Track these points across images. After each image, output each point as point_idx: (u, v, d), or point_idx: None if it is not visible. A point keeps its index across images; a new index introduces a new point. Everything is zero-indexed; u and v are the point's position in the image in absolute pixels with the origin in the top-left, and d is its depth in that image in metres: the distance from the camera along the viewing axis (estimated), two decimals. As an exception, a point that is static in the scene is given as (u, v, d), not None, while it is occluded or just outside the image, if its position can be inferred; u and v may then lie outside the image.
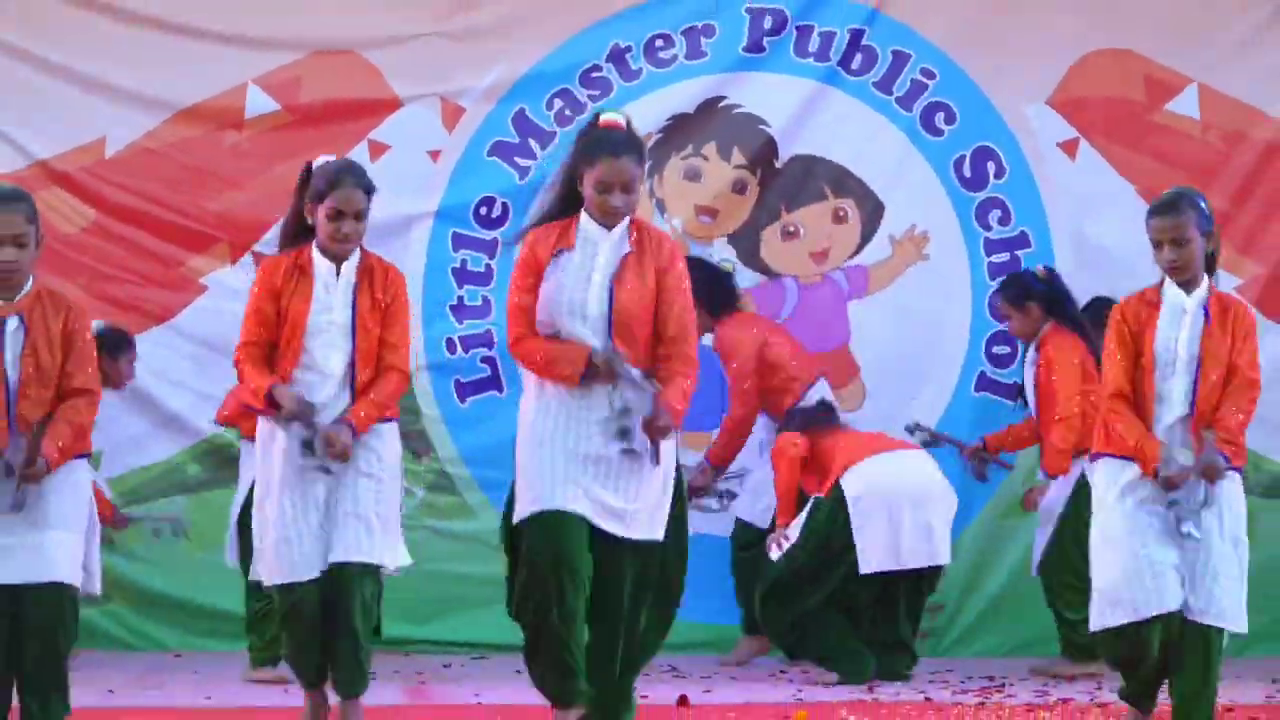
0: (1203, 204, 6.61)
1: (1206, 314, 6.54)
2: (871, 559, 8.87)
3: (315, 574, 6.61)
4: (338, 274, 6.68)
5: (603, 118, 6.42)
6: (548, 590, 6.23)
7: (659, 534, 6.38)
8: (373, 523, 6.65)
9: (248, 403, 6.90)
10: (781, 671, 9.13)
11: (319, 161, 6.78)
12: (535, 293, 6.36)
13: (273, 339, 6.67)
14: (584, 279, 6.34)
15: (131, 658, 9.44)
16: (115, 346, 9.27)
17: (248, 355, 6.69)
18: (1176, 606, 6.43)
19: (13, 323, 6.09)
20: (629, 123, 6.42)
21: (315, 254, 6.70)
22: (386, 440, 6.75)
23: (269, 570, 6.70)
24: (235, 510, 8.64)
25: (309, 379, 6.65)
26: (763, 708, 8.07)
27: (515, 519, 6.35)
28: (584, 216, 6.39)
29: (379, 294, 6.70)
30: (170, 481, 9.65)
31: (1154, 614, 6.41)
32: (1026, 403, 9.42)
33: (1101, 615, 6.51)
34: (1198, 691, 6.52)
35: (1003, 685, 8.77)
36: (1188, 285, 6.57)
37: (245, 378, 6.73)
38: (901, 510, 8.90)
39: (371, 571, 6.66)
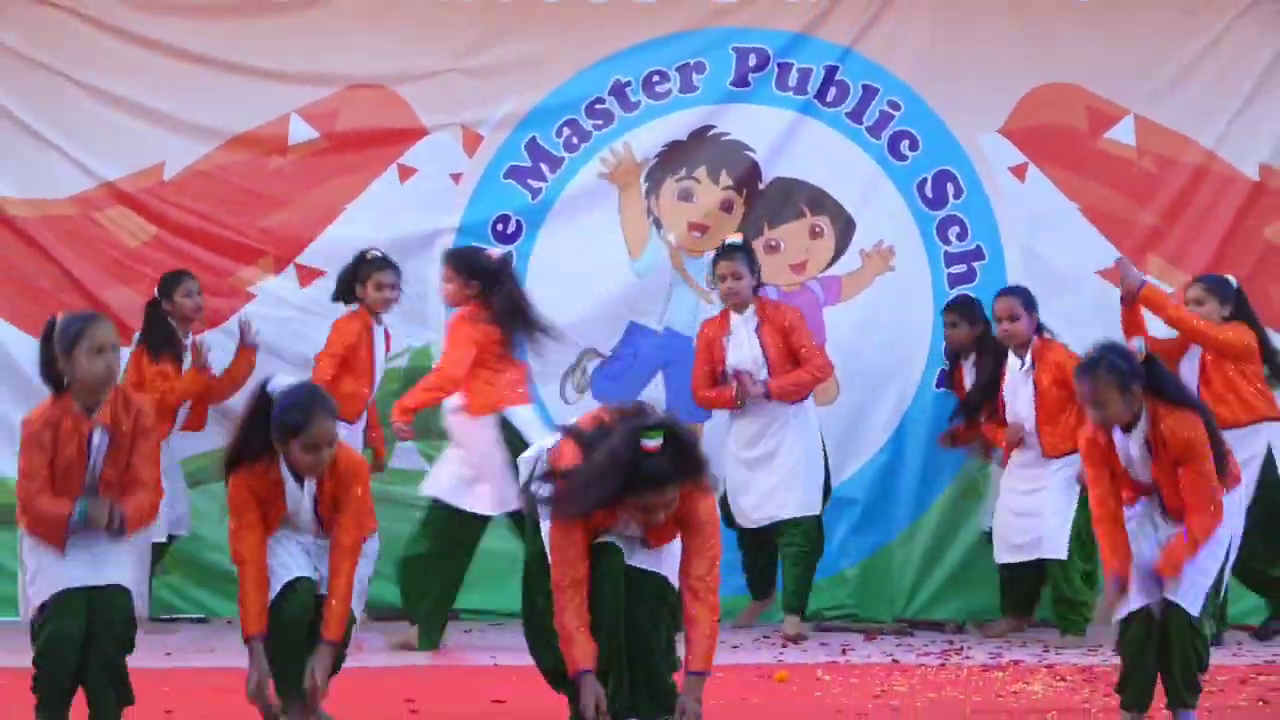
0: (1123, 364, 6.21)
1: (1150, 447, 6.26)
2: None
3: (304, 573, 6.27)
4: (303, 488, 6.26)
5: (645, 443, 5.84)
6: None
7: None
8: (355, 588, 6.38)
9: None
10: (765, 637, 9.15)
11: (277, 388, 6.18)
12: (584, 559, 6.05)
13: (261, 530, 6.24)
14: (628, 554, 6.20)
15: (187, 624, 9.46)
16: (166, 288, 9.25)
17: (247, 575, 6.20)
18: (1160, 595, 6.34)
19: (98, 434, 6.06)
20: (670, 437, 5.87)
21: (285, 473, 6.22)
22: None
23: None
24: None
25: (286, 532, 6.34)
26: (748, 668, 8.08)
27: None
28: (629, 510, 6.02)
29: (329, 491, 6.25)
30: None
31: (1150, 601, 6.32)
32: (977, 415, 9.35)
33: (1120, 608, 6.34)
34: (1169, 668, 6.37)
35: (961, 648, 8.79)
36: (1128, 425, 6.28)
37: (241, 596, 6.21)
38: None
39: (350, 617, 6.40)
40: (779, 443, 9.20)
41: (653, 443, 5.83)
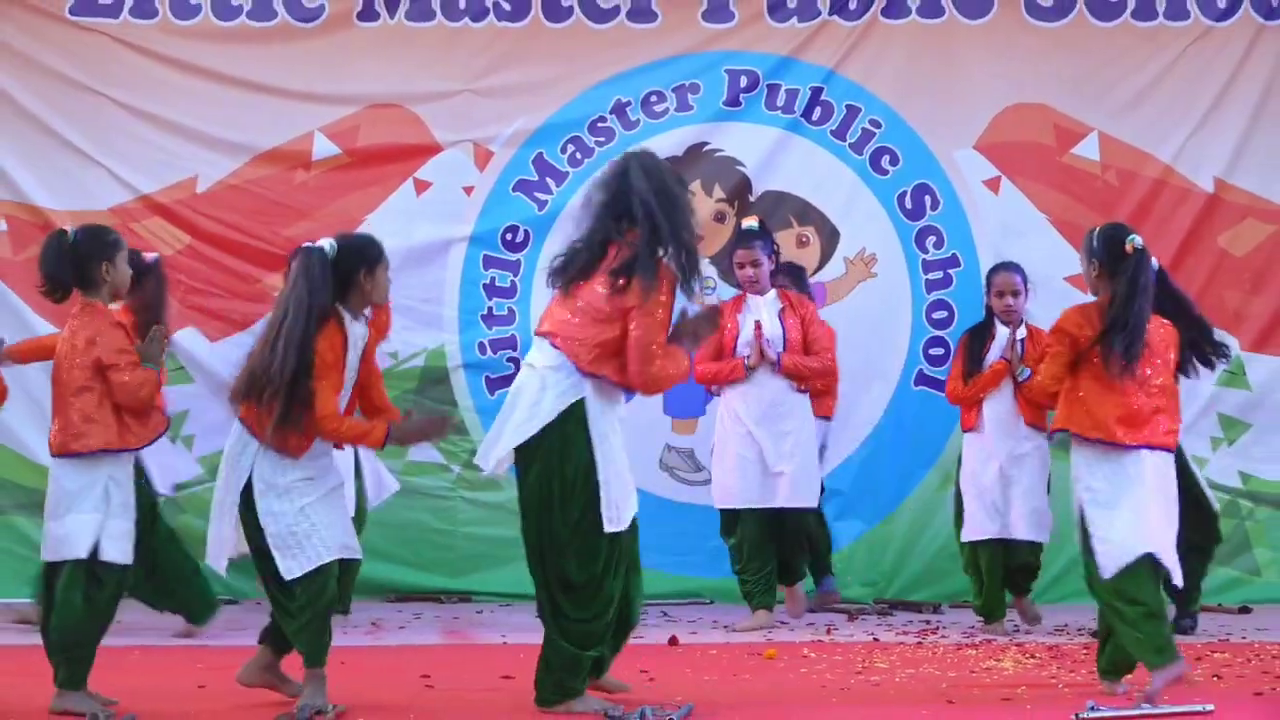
0: (1096, 243, 6.55)
1: None
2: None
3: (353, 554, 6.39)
4: (363, 333, 6.30)
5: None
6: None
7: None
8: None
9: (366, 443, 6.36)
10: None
11: (328, 245, 6.24)
12: None
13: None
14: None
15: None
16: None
17: (341, 416, 6.19)
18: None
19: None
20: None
21: (347, 320, 6.22)
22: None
23: (308, 556, 6.25)
24: None
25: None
26: (739, 646, 8.11)
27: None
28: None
29: (372, 341, 6.37)
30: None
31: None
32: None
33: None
34: None
35: (937, 628, 8.83)
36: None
37: (353, 434, 6.22)
38: None
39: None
40: (786, 428, 8.81)
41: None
